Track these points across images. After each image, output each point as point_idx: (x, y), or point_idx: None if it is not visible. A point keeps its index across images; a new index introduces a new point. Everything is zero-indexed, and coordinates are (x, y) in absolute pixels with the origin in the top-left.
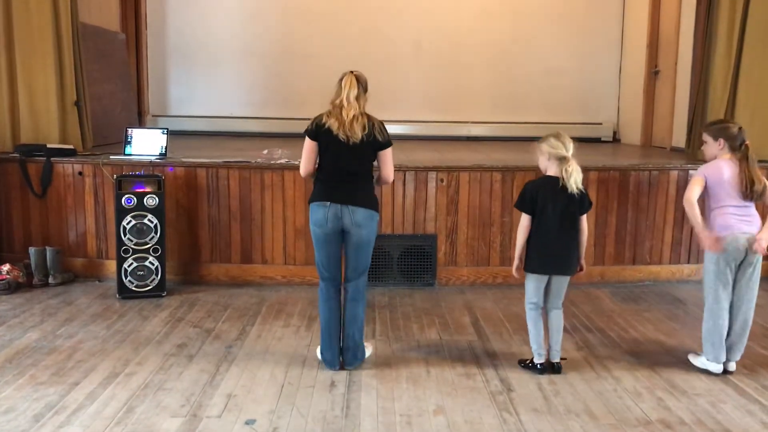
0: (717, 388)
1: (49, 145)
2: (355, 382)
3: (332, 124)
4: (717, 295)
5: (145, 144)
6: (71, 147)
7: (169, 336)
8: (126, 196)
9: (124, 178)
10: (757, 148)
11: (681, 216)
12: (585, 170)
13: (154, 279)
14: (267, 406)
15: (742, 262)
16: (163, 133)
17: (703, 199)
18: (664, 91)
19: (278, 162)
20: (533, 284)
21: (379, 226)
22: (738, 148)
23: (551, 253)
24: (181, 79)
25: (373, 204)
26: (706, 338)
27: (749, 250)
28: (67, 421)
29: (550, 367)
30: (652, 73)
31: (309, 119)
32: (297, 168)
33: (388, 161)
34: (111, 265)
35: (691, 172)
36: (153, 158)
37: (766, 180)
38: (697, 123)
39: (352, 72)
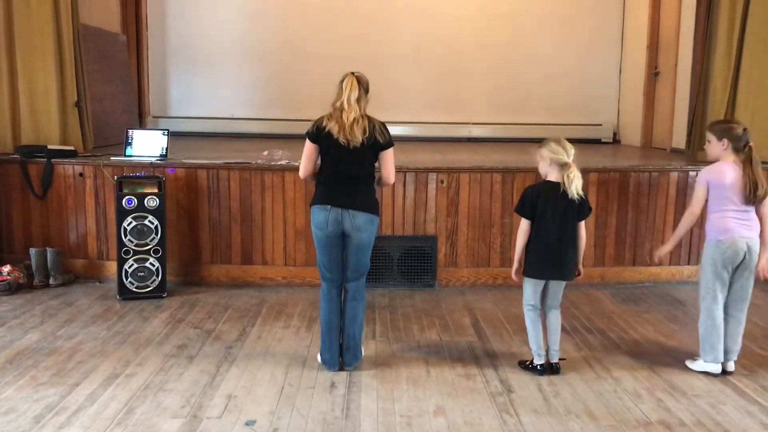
0: (717, 389)
1: (49, 146)
2: (355, 383)
3: (332, 127)
4: (715, 295)
5: (146, 145)
6: (72, 148)
7: (169, 337)
8: (127, 197)
9: (124, 179)
10: (757, 149)
11: (681, 217)
12: (585, 172)
13: (154, 280)
14: (267, 406)
15: (740, 265)
16: (163, 135)
17: (705, 200)
18: (664, 92)
19: (279, 163)
20: (531, 288)
21: (379, 227)
22: (742, 149)
23: (550, 258)
24: (182, 80)
25: (373, 208)
26: (705, 339)
27: (747, 255)
28: (68, 422)
29: (549, 368)
30: (652, 74)
31: (309, 120)
32: (297, 169)
33: (389, 162)
34: (111, 266)
35: (691, 173)
36: (153, 159)
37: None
38: (697, 124)
39: (353, 73)
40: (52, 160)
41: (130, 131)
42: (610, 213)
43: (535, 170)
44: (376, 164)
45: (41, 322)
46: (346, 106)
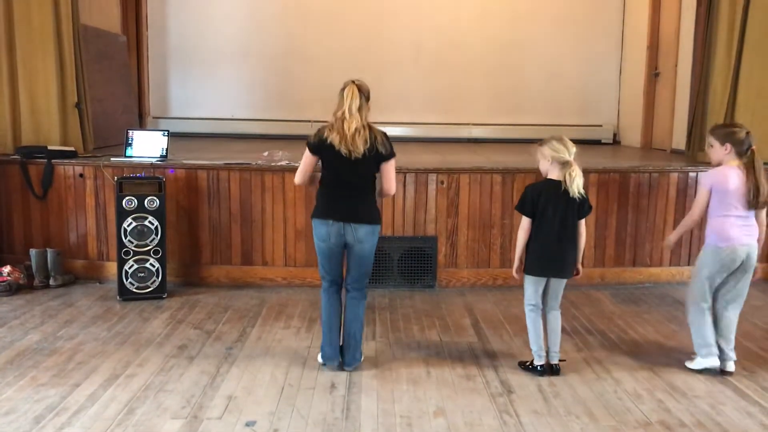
0: (717, 390)
1: (50, 147)
2: (355, 384)
3: (334, 138)
4: (704, 296)
5: (146, 146)
6: (72, 149)
7: (169, 337)
8: (127, 197)
9: (124, 180)
10: (758, 151)
11: (681, 218)
12: (585, 172)
13: (154, 281)
14: (267, 407)
15: (736, 269)
16: (163, 135)
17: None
18: (664, 93)
19: (279, 164)
20: (532, 286)
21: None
22: (744, 153)
23: (551, 256)
24: (182, 81)
25: (374, 218)
26: (697, 335)
27: (744, 261)
28: (68, 422)
29: (549, 369)
30: (653, 75)
31: (309, 121)
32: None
33: (390, 174)
34: (112, 267)
35: (691, 174)
36: (154, 160)
37: None
38: (698, 125)
39: (353, 82)
40: (53, 160)
41: (130, 132)
42: (610, 214)
43: (535, 171)
44: (377, 175)
45: (41, 322)
46: (347, 115)
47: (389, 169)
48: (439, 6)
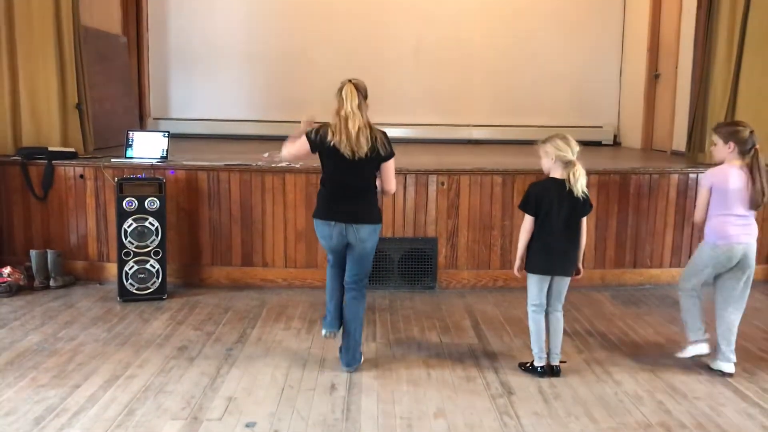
0: (717, 392)
1: (50, 148)
2: (355, 385)
3: (338, 141)
4: (694, 285)
5: (146, 147)
6: (72, 150)
7: (169, 339)
8: (127, 199)
9: (125, 181)
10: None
11: (681, 219)
12: (585, 173)
13: (154, 282)
14: (267, 408)
15: (732, 268)
16: (164, 136)
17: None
18: (664, 94)
19: (279, 165)
20: (536, 286)
21: (380, 230)
22: (747, 152)
23: (554, 254)
24: (182, 82)
25: (375, 218)
26: (686, 321)
27: (741, 260)
28: (68, 423)
29: (550, 370)
30: (653, 76)
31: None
32: (298, 171)
33: (390, 174)
34: (112, 268)
35: (691, 176)
36: (154, 161)
37: None
38: (698, 127)
39: (350, 80)
40: (53, 161)
41: (131, 133)
42: (611, 215)
43: (535, 173)
44: (377, 173)
45: (42, 323)
46: (350, 114)
47: (389, 168)
48: (439, 7)
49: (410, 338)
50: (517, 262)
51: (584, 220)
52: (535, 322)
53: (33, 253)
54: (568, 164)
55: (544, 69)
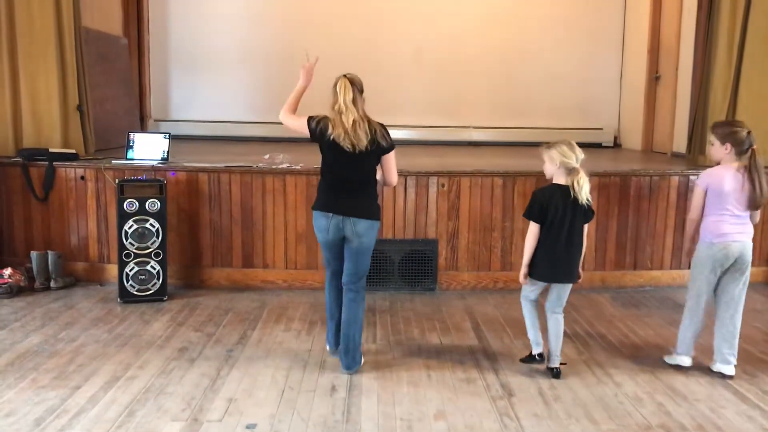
0: (717, 394)
1: (51, 150)
2: (355, 386)
3: (337, 135)
4: (699, 297)
5: (147, 148)
6: (73, 151)
7: (170, 340)
8: (128, 200)
9: (126, 182)
10: (758, 154)
11: (682, 221)
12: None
13: (155, 283)
14: (268, 410)
15: (730, 268)
16: (164, 138)
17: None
18: (664, 96)
19: (280, 167)
20: (531, 285)
21: (380, 230)
22: (744, 152)
23: (559, 262)
24: (183, 83)
25: (374, 214)
26: (683, 334)
27: (738, 259)
28: (69, 424)
29: (550, 372)
30: (653, 78)
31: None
32: (299, 173)
33: (391, 165)
34: (112, 269)
35: (692, 177)
36: (155, 163)
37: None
38: (698, 128)
39: (345, 75)
40: (54, 163)
41: (132, 134)
42: (611, 217)
43: (536, 174)
44: (378, 167)
45: (42, 324)
46: (344, 108)
47: (390, 161)
48: (440, 10)
49: (410, 340)
50: (524, 270)
51: (586, 226)
52: (528, 311)
53: (34, 254)
54: (572, 171)
55: (544, 71)
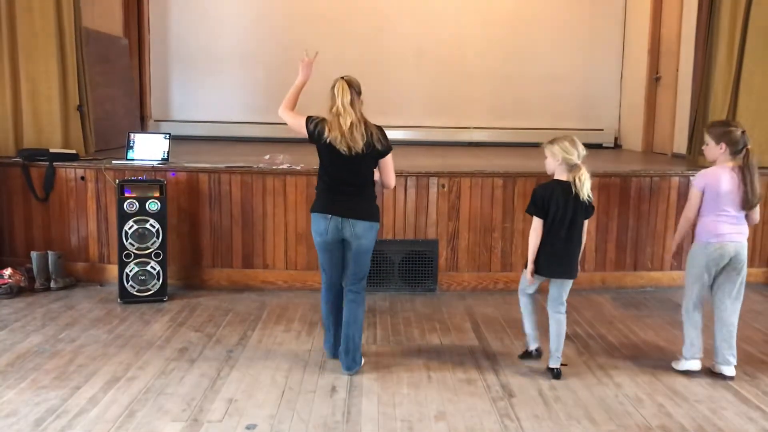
0: (718, 395)
1: (51, 150)
2: (356, 387)
3: (334, 138)
4: (692, 297)
5: (148, 149)
6: (74, 151)
7: (170, 340)
8: (128, 200)
9: (126, 182)
10: (758, 155)
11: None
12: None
13: (155, 283)
14: (268, 411)
15: (725, 267)
16: (165, 138)
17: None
18: (665, 97)
19: (280, 167)
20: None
21: (380, 231)
22: (739, 152)
23: (560, 257)
24: (184, 83)
25: (373, 215)
26: (685, 337)
27: (733, 258)
28: (69, 425)
29: (550, 373)
30: (654, 79)
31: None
32: (299, 173)
33: (389, 168)
34: (113, 270)
35: (692, 179)
36: (155, 163)
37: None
38: (699, 129)
39: (342, 78)
40: (54, 163)
41: (132, 135)
42: (611, 218)
43: (536, 175)
44: (376, 169)
45: (42, 325)
46: (341, 110)
47: (387, 163)
48: (440, 10)
49: (411, 340)
50: (530, 267)
51: (586, 222)
52: (524, 303)
53: (34, 254)
54: (573, 167)
55: (544, 71)
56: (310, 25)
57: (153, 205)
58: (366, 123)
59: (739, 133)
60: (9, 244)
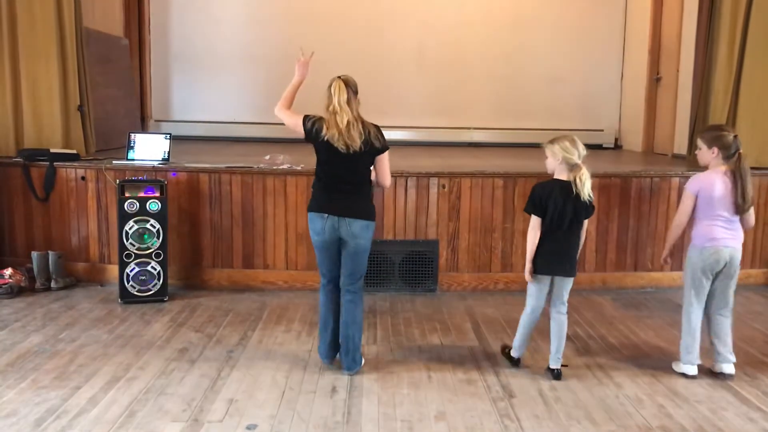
0: (718, 395)
1: (52, 150)
2: (356, 388)
3: (331, 136)
4: (691, 301)
5: (148, 149)
6: (74, 152)
7: (170, 341)
8: (128, 200)
9: (126, 182)
10: (758, 156)
11: None
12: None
13: (155, 284)
14: (268, 411)
15: (720, 272)
16: (165, 138)
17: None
18: (665, 98)
19: (280, 167)
20: (536, 288)
21: (380, 231)
22: (732, 156)
23: (559, 256)
24: (184, 84)
25: (369, 214)
26: (682, 341)
27: (727, 264)
28: (69, 425)
29: (551, 373)
30: (654, 80)
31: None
32: (299, 174)
33: (385, 167)
34: (113, 270)
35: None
36: (156, 163)
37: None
38: (699, 130)
39: (339, 77)
40: (55, 163)
41: (132, 135)
42: (612, 218)
43: (536, 175)
44: (372, 168)
45: (43, 325)
46: (338, 109)
47: (384, 162)
48: (441, 11)
49: (411, 341)
50: (528, 266)
51: (586, 221)
52: (524, 325)
53: (34, 254)
54: (574, 167)
55: (545, 72)
56: (310, 26)
57: (153, 205)
58: (363, 121)
59: (731, 137)
60: (9, 244)
